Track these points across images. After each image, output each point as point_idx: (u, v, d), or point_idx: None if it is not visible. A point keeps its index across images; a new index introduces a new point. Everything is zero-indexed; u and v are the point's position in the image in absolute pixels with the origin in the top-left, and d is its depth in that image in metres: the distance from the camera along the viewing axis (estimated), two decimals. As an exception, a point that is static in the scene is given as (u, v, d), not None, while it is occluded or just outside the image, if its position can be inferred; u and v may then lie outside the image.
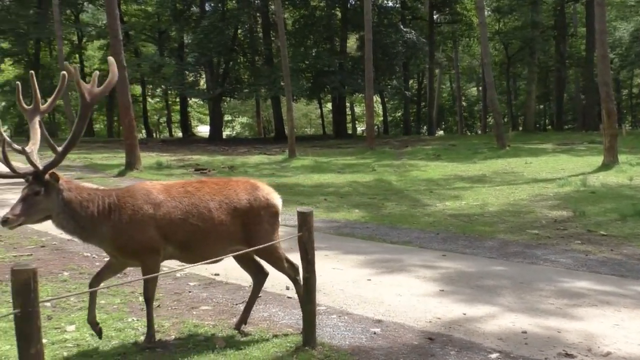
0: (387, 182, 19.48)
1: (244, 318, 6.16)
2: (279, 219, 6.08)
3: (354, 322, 6.46)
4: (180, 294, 7.46)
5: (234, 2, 46.12)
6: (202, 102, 58.50)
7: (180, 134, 56.86)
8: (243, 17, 44.36)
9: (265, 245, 5.77)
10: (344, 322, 6.46)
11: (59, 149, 5.41)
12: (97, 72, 5.65)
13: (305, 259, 5.55)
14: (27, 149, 5.30)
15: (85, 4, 49.64)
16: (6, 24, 39.69)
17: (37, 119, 5.61)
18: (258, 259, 6.31)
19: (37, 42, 42.05)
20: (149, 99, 58.16)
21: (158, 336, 5.88)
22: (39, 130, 5.59)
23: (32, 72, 5.88)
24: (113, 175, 20.24)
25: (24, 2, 41.61)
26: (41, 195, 5.26)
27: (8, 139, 5.28)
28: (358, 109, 67.84)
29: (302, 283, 5.83)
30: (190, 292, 7.56)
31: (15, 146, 5.35)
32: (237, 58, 48.10)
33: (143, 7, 50.40)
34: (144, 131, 53.80)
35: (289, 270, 6.15)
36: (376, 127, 47.63)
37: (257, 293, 6.35)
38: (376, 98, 48.94)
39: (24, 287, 3.30)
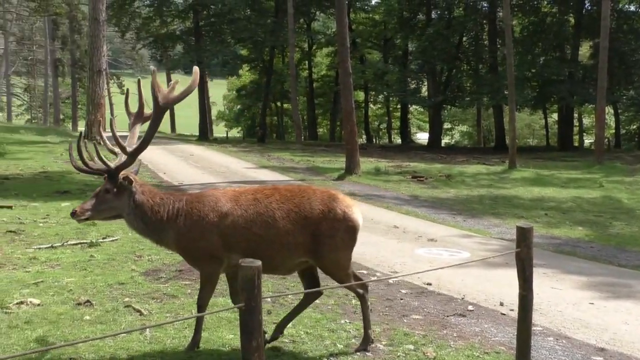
0: (617, 199, 18.07)
1: (281, 327, 5.86)
2: (356, 236, 5.75)
3: (572, 347, 6.06)
4: (391, 300, 7.50)
5: (460, 9, 45.70)
6: (422, 110, 58.69)
7: (399, 141, 57.50)
8: (469, 24, 43.81)
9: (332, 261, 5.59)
10: (561, 346, 6.09)
11: (129, 149, 5.67)
12: (178, 80, 5.84)
13: (522, 277, 5.28)
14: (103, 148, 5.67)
15: (317, 13, 52.07)
16: (246, 33, 42.86)
17: (138, 125, 6.00)
18: (316, 273, 5.99)
19: (272, 49, 44.82)
20: (371, 105, 59.54)
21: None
22: (136, 135, 5.97)
23: (139, 78, 6.25)
24: (333, 178, 20.95)
25: (262, 12, 44.67)
26: (111, 194, 5.53)
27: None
28: (587, 120, 63.80)
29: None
30: (401, 299, 7.57)
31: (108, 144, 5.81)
32: (460, 66, 47.60)
33: (371, 15, 51.73)
34: (364, 136, 55.14)
35: (357, 286, 5.82)
36: (606, 140, 44.45)
37: (301, 309, 6.01)
38: (608, 109, 45.67)
39: (249, 283, 3.48)
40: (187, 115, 72.64)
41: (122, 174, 5.58)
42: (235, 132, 65.29)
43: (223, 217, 5.51)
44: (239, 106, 63.98)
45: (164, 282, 7.85)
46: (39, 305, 6.74)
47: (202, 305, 5.65)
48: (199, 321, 5.72)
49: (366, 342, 5.77)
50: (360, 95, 54.65)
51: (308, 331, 6.17)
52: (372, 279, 8.50)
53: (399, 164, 27.13)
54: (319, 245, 5.55)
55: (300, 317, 6.38)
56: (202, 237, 5.52)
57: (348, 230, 5.62)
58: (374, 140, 62.43)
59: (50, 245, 9.64)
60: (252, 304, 3.48)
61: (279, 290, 7.64)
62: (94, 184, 16.84)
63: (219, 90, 71.29)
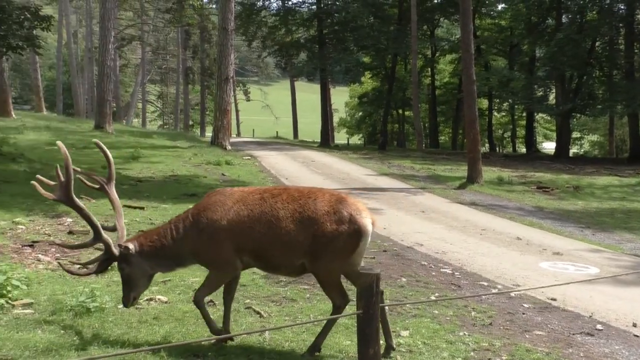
0: None
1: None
2: (362, 244, 5.51)
3: None
4: (513, 314, 7.26)
5: (594, 12, 43.69)
6: (549, 118, 56.56)
7: (523, 150, 55.71)
8: (603, 28, 41.73)
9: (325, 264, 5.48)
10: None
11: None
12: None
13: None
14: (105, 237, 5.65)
15: (441, 19, 51.49)
16: (369, 40, 43.08)
17: (112, 189, 6.06)
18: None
19: (395, 56, 44.74)
20: (495, 113, 58.07)
21: (488, 355, 5.79)
22: (117, 200, 6.07)
23: (97, 141, 6.13)
24: (454, 187, 20.60)
25: (386, 19, 44.75)
26: (126, 270, 5.72)
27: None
28: None
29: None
30: (524, 314, 7.31)
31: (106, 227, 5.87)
32: (592, 72, 45.45)
33: (497, 21, 50.54)
34: (487, 145, 53.85)
35: (337, 296, 5.63)
36: None
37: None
38: None
39: (368, 290, 3.48)
40: (309, 121, 74.01)
41: (114, 250, 5.69)
42: (356, 139, 65.69)
43: (231, 218, 5.60)
44: (360, 113, 64.35)
45: (284, 285, 7.99)
46: (166, 302, 7.05)
47: (198, 301, 5.75)
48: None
49: (313, 350, 5.62)
50: (484, 103, 53.43)
51: (425, 341, 6.08)
52: (493, 291, 8.27)
53: (523, 173, 26.27)
54: (318, 246, 5.47)
55: (417, 327, 6.32)
56: (213, 242, 5.62)
57: (352, 234, 5.46)
58: (498, 149, 60.81)
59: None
60: (370, 311, 3.47)
61: (396, 299, 7.59)
62: (219, 187, 17.46)
63: (341, 97, 72.03)
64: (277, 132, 61.39)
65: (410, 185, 20.49)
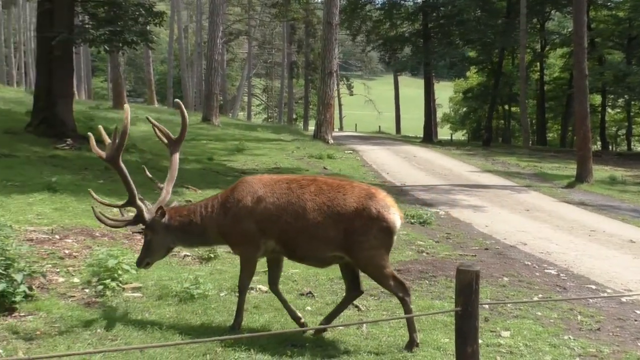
0: None
1: (328, 321, 5.87)
2: (393, 237, 5.64)
3: None
4: (624, 320, 6.91)
5: None
6: (669, 115, 53.57)
7: (639, 148, 53.05)
8: None
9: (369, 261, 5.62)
10: None
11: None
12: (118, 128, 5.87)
13: None
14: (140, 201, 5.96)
15: (553, 12, 49.64)
16: (475, 34, 42.16)
17: (176, 153, 6.40)
18: (361, 274, 5.94)
19: (502, 50, 43.56)
20: (609, 110, 55.50)
21: (594, 361, 5.55)
22: (176, 165, 6.37)
23: (148, 117, 6.56)
24: (561, 186, 19.84)
25: (493, 12, 43.66)
26: (149, 236, 6.00)
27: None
28: None
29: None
30: (636, 320, 6.94)
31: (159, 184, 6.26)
32: None
33: (614, 12, 48.20)
34: (599, 143, 51.59)
35: (396, 289, 5.67)
36: None
37: (343, 307, 6.03)
38: None
39: (467, 287, 3.41)
40: (411, 117, 73.32)
41: (146, 216, 5.95)
42: (459, 135, 64.52)
43: (257, 202, 5.75)
44: (464, 109, 63.14)
45: (382, 280, 7.96)
46: (266, 292, 7.17)
47: (242, 288, 5.97)
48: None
49: (411, 346, 5.60)
50: (597, 99, 51.14)
51: (527, 343, 5.90)
52: (602, 295, 7.92)
53: (638, 173, 25.00)
54: (351, 242, 5.56)
55: (519, 329, 6.15)
56: (238, 222, 5.79)
57: (382, 230, 5.55)
58: (611, 147, 58.14)
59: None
60: (468, 309, 3.40)
61: (497, 298, 7.41)
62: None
63: (445, 92, 70.95)
64: (379, 126, 61.19)
65: (515, 182, 19.91)
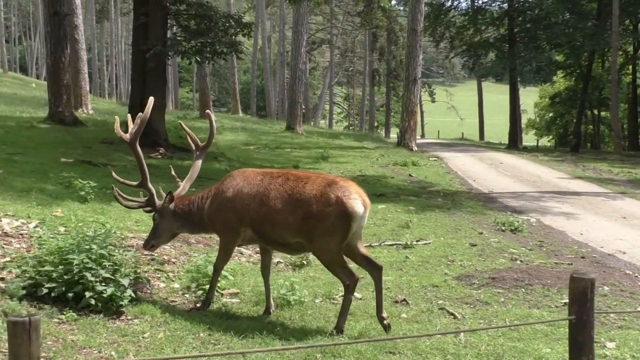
0: None
1: (379, 311, 6.09)
2: (352, 225, 5.77)
3: None
4: None
5: None
6: None
7: None
8: None
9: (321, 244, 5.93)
10: None
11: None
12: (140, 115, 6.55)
13: None
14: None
15: (647, 12, 47.74)
16: (563, 37, 40.99)
17: (201, 157, 7.03)
18: (365, 254, 6.29)
19: (591, 54, 42.20)
20: None
21: None
22: (198, 168, 6.97)
23: (180, 122, 7.37)
24: (660, 192, 19.00)
25: (582, 15, 42.36)
26: (157, 220, 6.53)
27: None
28: None
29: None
30: None
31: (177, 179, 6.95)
32: None
33: None
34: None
35: (343, 275, 5.97)
36: None
37: (379, 289, 6.12)
38: None
39: (582, 295, 3.33)
40: (495, 122, 72.04)
41: (156, 200, 6.53)
42: (545, 141, 62.83)
43: (235, 193, 6.23)
44: (550, 114, 61.43)
45: (477, 288, 7.87)
46: (360, 299, 7.22)
47: (217, 268, 6.45)
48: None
49: (337, 332, 5.92)
50: None
51: (635, 355, 5.69)
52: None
53: None
54: (309, 227, 5.85)
55: (625, 339, 5.95)
56: (221, 212, 6.30)
57: (341, 216, 5.73)
58: None
59: (368, 244, 10.25)
60: (583, 317, 3.33)
61: (598, 308, 7.16)
62: (407, 188, 17.54)
63: (529, 98, 69.27)
64: (462, 133, 60.40)
65: (609, 189, 19.20)
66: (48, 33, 20.60)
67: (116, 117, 6.77)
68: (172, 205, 6.50)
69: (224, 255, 6.51)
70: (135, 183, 6.60)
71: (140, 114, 6.52)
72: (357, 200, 5.79)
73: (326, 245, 5.89)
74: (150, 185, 6.48)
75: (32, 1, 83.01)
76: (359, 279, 6.18)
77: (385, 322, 6.04)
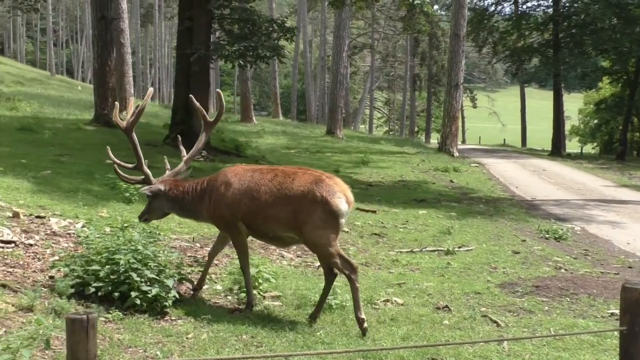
0: None
1: (316, 312, 6.39)
2: (340, 220, 6.09)
3: None
4: None
5: None
6: None
7: None
8: None
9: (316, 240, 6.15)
10: None
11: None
12: (139, 104, 6.91)
13: None
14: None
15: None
16: (610, 43, 40.17)
17: (206, 133, 7.19)
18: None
19: (639, 59, 41.35)
20: None
21: None
22: (203, 143, 7.20)
23: (191, 96, 7.56)
24: None
25: (630, 20, 41.46)
26: (151, 199, 6.81)
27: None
28: None
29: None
30: None
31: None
32: None
33: None
34: None
35: (343, 267, 6.15)
36: None
37: (326, 292, 6.44)
38: None
39: (634, 306, 3.27)
40: (538, 129, 71.06)
41: (152, 180, 6.80)
42: (588, 148, 61.69)
43: (227, 189, 6.44)
44: (595, 120, 60.31)
45: (520, 296, 7.76)
46: (402, 304, 7.18)
47: (242, 268, 6.66)
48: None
49: (361, 325, 6.05)
50: None
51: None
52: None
53: None
54: (300, 222, 6.12)
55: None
56: (217, 208, 6.50)
57: (326, 212, 6.02)
58: None
59: (410, 249, 10.21)
60: (635, 328, 3.26)
61: None
62: (448, 194, 17.41)
63: (573, 104, 68.14)
64: (504, 139, 59.71)
65: (658, 198, 18.79)
66: (95, 37, 21.00)
67: (116, 102, 7.42)
68: (164, 188, 6.76)
69: (241, 253, 6.68)
70: (131, 165, 6.89)
71: (138, 101, 7.12)
72: (341, 198, 6.09)
73: (319, 239, 6.14)
74: (145, 168, 6.80)
75: (79, 6, 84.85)
76: (358, 268, 6.36)
77: (364, 325, 6.07)
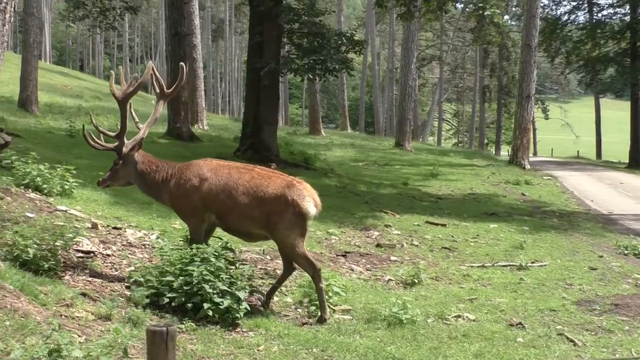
0: None
1: (268, 298, 6.89)
2: (307, 223, 6.61)
3: None
4: None
5: None
6: None
7: None
8: None
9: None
10: None
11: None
12: (136, 76, 7.17)
13: None
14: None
15: None
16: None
17: (161, 102, 7.23)
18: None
19: None
20: None
21: None
22: (158, 112, 7.21)
23: (151, 64, 7.49)
24: None
25: None
26: (120, 166, 6.95)
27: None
28: None
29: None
30: None
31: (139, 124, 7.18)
32: None
33: None
34: None
35: (306, 267, 6.65)
36: None
37: (281, 281, 7.02)
38: None
39: None
40: (613, 141, 68.78)
41: (124, 149, 6.86)
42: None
43: (202, 182, 6.74)
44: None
45: (598, 314, 7.51)
46: (474, 320, 7.05)
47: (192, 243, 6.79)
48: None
49: (321, 321, 6.55)
50: None
51: None
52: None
53: None
54: (271, 222, 6.58)
55: None
56: (187, 197, 6.79)
57: (296, 215, 6.51)
58: None
59: (481, 264, 10.03)
60: None
61: None
62: (520, 208, 17.06)
63: (653, 115, 65.81)
64: (577, 151, 58.07)
65: None
66: (169, 52, 21.54)
67: (112, 71, 7.87)
68: (137, 159, 6.93)
69: (195, 237, 6.89)
70: (113, 134, 7.01)
71: (136, 75, 7.27)
72: (310, 202, 6.57)
73: (287, 239, 6.60)
74: (124, 138, 6.91)
75: (154, 22, 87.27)
76: (320, 269, 6.69)
77: (324, 323, 6.55)
